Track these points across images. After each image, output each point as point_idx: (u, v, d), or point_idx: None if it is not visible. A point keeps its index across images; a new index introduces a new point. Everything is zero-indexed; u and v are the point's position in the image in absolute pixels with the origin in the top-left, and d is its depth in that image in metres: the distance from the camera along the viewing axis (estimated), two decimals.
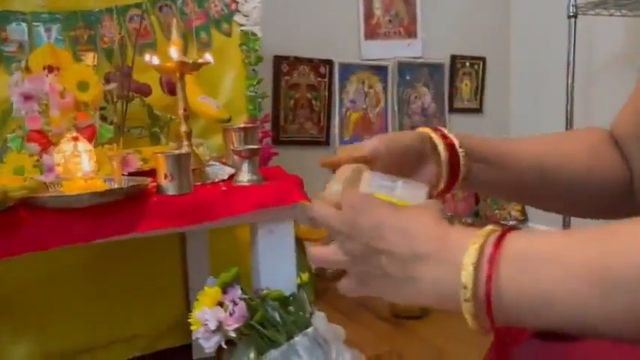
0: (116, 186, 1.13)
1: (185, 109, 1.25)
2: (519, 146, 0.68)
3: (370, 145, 0.62)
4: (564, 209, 0.74)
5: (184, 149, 1.23)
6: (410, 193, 0.55)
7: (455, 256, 0.44)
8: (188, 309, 1.85)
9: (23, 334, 1.68)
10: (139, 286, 1.78)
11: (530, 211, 3.10)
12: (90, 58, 1.55)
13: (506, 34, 3.10)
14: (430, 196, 0.56)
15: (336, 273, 2.56)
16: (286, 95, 2.60)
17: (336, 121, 2.71)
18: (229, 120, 1.46)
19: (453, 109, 2.99)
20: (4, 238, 0.98)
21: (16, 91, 1.35)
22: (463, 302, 0.42)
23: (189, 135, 1.26)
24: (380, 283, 0.50)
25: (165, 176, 1.12)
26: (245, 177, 1.22)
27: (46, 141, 1.37)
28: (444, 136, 0.65)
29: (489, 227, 0.45)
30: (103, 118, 1.50)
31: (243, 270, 1.37)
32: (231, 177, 1.29)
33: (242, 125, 1.36)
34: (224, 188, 1.19)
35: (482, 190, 0.70)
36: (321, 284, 2.46)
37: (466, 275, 0.42)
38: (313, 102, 2.66)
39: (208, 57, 1.28)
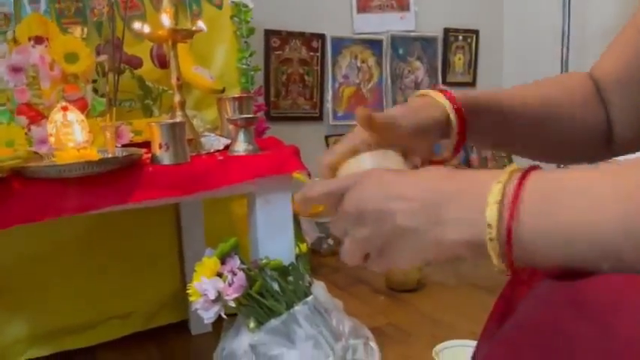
0: (110, 156, 1.10)
1: (178, 79, 1.22)
2: (515, 99, 0.67)
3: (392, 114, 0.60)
4: (541, 156, 0.73)
5: (179, 119, 1.20)
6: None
7: (478, 195, 0.42)
8: (184, 285, 1.84)
9: (18, 312, 1.66)
10: (135, 263, 1.76)
11: None
12: (78, 31, 1.51)
13: (499, 6, 3.07)
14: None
15: (331, 248, 2.55)
16: (278, 70, 2.57)
17: (329, 95, 2.69)
18: (223, 91, 1.43)
19: (446, 83, 2.98)
20: None
21: (3, 64, 1.32)
22: (488, 242, 0.41)
23: (182, 104, 1.23)
24: (400, 247, 0.47)
25: (160, 146, 1.10)
26: (241, 147, 1.20)
27: (36, 114, 1.34)
28: (451, 98, 0.63)
29: (513, 166, 0.43)
30: (95, 91, 1.47)
31: (240, 243, 1.36)
32: (227, 147, 1.27)
33: (236, 95, 1.34)
34: (220, 158, 1.17)
35: (472, 141, 0.68)
36: (316, 260, 2.46)
37: (490, 214, 0.41)
38: (305, 77, 2.63)
39: (201, 24, 1.25)
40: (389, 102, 2.83)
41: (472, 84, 3.06)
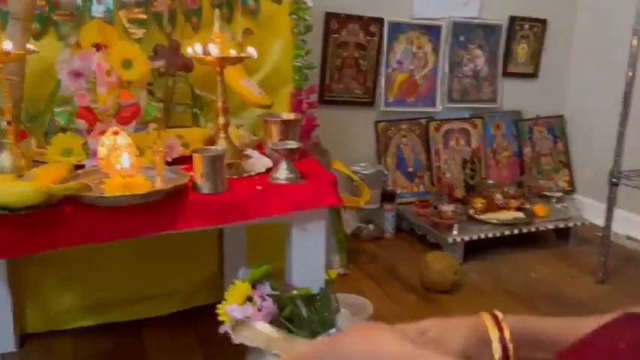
0: (158, 180, 1.16)
1: (224, 102, 1.25)
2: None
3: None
4: None
5: (220, 145, 1.24)
6: None
7: None
8: (221, 269, 1.94)
9: (71, 283, 1.80)
10: (178, 246, 1.85)
11: (578, 182, 3.02)
12: (139, 33, 1.56)
13: None
14: None
15: (372, 235, 2.59)
16: (334, 54, 2.55)
17: (382, 81, 2.66)
18: (271, 106, 1.46)
19: (506, 73, 2.88)
20: (47, 232, 1.04)
21: (65, 68, 1.38)
22: None
23: (226, 127, 1.26)
24: None
25: (202, 175, 1.15)
26: (282, 174, 1.24)
27: (93, 118, 1.41)
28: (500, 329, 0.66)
29: None
30: (151, 93, 1.52)
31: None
32: (268, 169, 1.31)
33: (284, 117, 1.36)
34: (259, 187, 1.21)
35: None
36: (355, 246, 2.51)
37: None
38: (360, 61, 2.60)
39: (251, 51, 1.26)
40: (444, 90, 2.77)
41: (534, 75, 2.95)
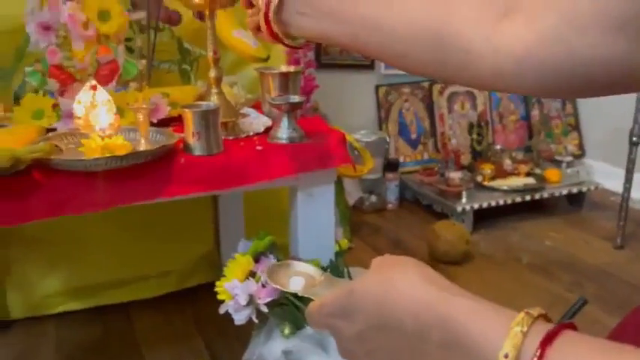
0: (142, 142, 1.01)
1: (215, 52, 1.10)
2: None
3: None
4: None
5: (213, 101, 1.09)
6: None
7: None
8: (217, 246, 1.80)
9: (57, 264, 1.67)
10: (170, 224, 1.72)
11: (588, 145, 2.89)
12: None
13: None
14: None
15: (374, 205, 2.46)
16: None
17: None
18: (268, 59, 1.30)
19: None
20: (16, 202, 0.89)
21: (32, 21, 1.21)
22: None
23: (218, 81, 1.11)
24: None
25: (193, 134, 1.00)
26: (283, 133, 1.08)
27: (67, 77, 1.25)
28: None
29: (515, 329, 0.36)
30: (130, 50, 1.36)
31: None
32: (267, 129, 1.16)
33: (283, 70, 1.20)
34: (259, 147, 1.06)
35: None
36: (358, 217, 2.38)
37: None
38: None
39: None
40: None
41: None
